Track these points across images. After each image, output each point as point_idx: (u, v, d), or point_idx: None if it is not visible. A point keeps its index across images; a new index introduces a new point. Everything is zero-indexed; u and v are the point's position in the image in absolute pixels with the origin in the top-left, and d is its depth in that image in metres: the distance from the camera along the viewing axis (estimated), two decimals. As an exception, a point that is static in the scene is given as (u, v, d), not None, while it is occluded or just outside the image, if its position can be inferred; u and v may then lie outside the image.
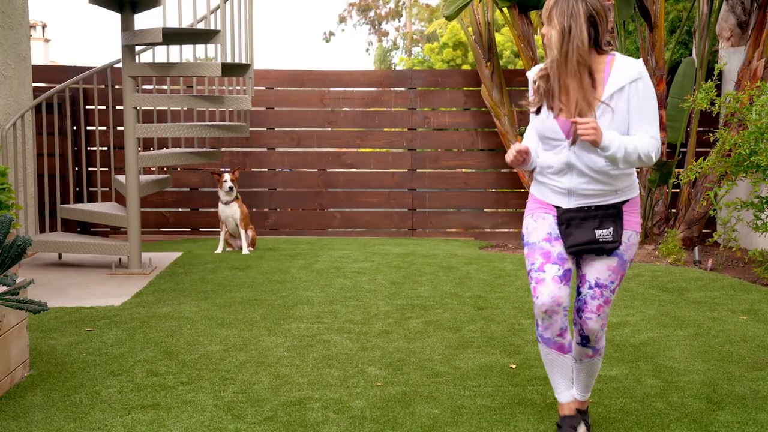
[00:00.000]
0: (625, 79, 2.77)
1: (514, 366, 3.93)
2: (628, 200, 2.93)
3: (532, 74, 2.97)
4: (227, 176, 7.40)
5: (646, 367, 3.93)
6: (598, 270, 2.93)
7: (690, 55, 9.58)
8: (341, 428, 3.14)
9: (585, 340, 3.01)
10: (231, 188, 7.39)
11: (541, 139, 2.95)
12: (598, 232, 2.87)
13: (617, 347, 4.24)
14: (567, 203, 2.92)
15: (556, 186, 2.94)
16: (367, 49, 35.61)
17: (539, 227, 2.97)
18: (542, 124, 2.90)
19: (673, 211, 8.22)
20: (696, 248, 7.14)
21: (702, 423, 3.19)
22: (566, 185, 2.91)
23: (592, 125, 2.69)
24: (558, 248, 2.93)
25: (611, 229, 2.87)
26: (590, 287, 2.94)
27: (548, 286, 2.87)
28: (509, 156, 2.92)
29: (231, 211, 7.45)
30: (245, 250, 7.40)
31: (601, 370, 3.85)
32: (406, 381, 3.71)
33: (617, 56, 2.83)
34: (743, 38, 8.13)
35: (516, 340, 4.39)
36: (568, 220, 2.91)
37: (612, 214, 2.89)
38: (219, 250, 7.47)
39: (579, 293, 2.99)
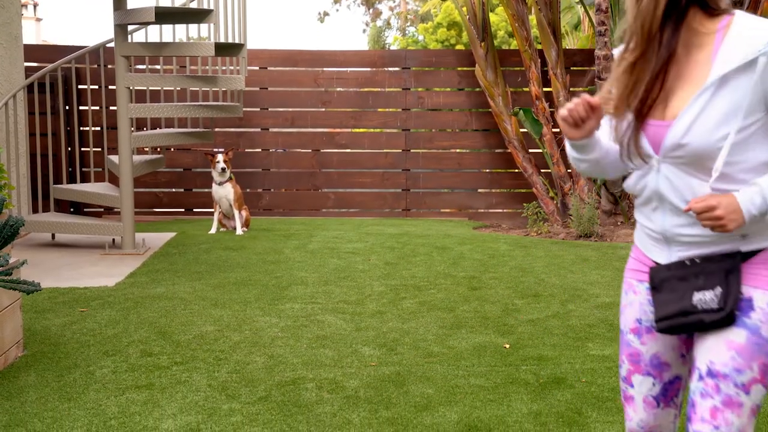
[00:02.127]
0: (749, 52, 1.68)
1: (507, 346, 3.95)
2: (761, 250, 1.80)
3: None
4: (220, 157, 7.38)
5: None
6: (711, 349, 1.80)
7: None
8: (335, 408, 3.16)
9: None
10: (224, 169, 7.37)
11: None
12: (697, 296, 1.79)
13: (611, 327, 4.26)
14: (667, 256, 1.88)
15: (651, 229, 1.91)
16: (364, 30, 35.40)
17: (628, 307, 2.00)
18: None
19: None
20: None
21: (693, 402, 3.22)
22: (659, 227, 1.88)
23: (717, 214, 1.68)
24: (653, 347, 1.95)
25: (718, 290, 1.77)
26: (700, 377, 1.81)
27: (638, 411, 1.97)
28: (563, 111, 1.85)
29: (225, 191, 7.43)
30: (239, 231, 7.39)
31: (595, 349, 3.87)
32: (400, 361, 3.73)
33: (737, 15, 1.74)
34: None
35: (509, 320, 4.40)
36: (661, 281, 1.87)
37: (724, 268, 1.79)
38: (213, 230, 7.46)
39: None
